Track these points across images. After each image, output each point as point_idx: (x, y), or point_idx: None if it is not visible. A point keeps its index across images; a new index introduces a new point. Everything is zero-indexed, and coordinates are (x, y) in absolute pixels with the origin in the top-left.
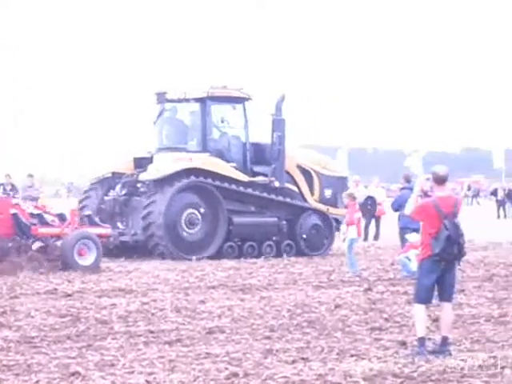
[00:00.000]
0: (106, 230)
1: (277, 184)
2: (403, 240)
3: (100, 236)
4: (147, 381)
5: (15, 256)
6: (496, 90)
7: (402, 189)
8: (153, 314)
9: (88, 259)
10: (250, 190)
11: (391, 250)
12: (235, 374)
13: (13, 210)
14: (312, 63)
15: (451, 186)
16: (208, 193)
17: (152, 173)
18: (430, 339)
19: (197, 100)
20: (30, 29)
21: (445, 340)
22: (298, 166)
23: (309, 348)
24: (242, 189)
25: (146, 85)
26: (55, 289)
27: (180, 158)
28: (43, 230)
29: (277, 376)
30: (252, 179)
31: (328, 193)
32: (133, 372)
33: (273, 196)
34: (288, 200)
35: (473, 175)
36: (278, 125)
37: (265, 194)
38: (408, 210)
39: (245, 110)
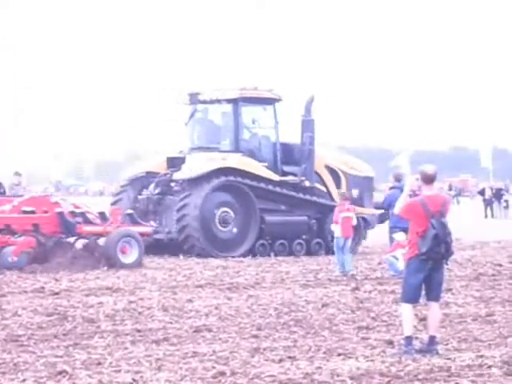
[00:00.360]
0: (147, 228)
1: (307, 183)
2: (392, 239)
3: (141, 234)
4: (134, 379)
5: (59, 254)
6: (484, 88)
7: (392, 188)
8: (140, 313)
9: (130, 257)
10: (280, 190)
11: (378, 249)
12: (222, 373)
13: (58, 209)
14: (301, 62)
15: (438, 185)
16: (241, 192)
17: (187, 172)
18: (417, 338)
19: (229, 101)
20: (30, 29)
21: (432, 339)
22: (326, 166)
23: (296, 347)
24: (273, 188)
25: (143, 85)
26: (42, 287)
27: (213, 158)
28: (88, 228)
29: (264, 375)
30: (283, 178)
31: (355, 192)
32: (120, 371)
33: (303, 195)
34: (317, 199)
35: (461, 174)
36: (307, 125)
37: (295, 194)
38: (397, 209)
39: (275, 110)
